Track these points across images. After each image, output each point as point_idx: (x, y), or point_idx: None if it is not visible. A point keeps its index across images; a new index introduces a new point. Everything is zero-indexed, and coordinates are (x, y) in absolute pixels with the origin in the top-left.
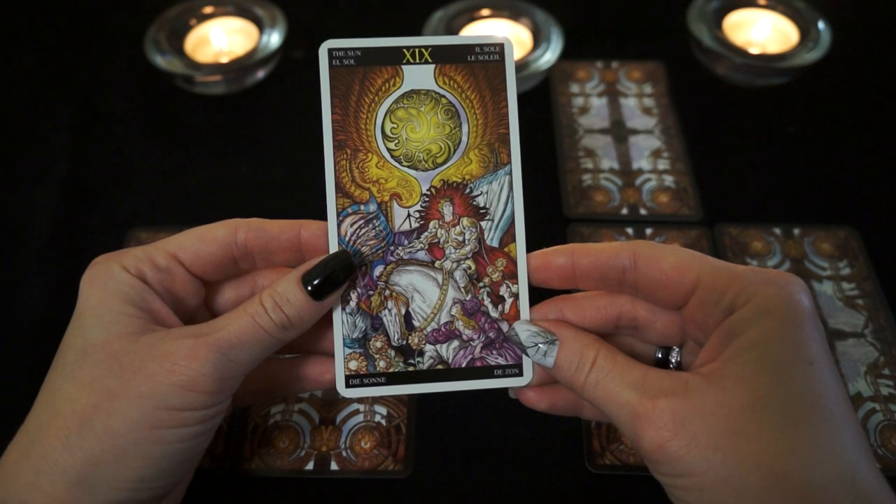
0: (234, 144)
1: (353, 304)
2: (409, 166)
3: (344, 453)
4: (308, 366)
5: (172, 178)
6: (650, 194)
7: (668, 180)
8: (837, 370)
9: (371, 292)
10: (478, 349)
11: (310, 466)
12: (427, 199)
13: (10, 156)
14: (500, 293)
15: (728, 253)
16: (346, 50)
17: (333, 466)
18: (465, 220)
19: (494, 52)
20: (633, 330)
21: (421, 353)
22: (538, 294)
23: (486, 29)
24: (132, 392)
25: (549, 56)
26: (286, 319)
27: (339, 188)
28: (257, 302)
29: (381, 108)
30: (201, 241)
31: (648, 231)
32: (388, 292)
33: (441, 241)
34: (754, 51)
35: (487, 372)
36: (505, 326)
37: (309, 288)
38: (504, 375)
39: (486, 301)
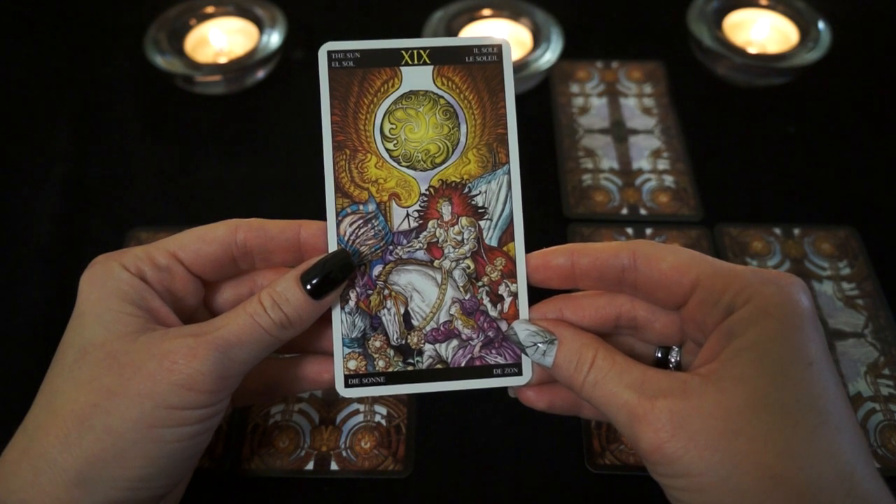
0: (234, 144)
1: (352, 303)
2: (407, 166)
3: (344, 453)
4: (307, 365)
5: (172, 178)
6: (650, 194)
7: (668, 180)
8: (837, 371)
9: (370, 292)
10: (477, 348)
11: (310, 466)
12: (426, 198)
13: (10, 156)
14: (499, 292)
15: (728, 253)
16: (345, 52)
17: (333, 466)
18: (463, 220)
19: (492, 54)
20: (633, 330)
21: (420, 353)
22: (537, 294)
23: (486, 29)
24: (131, 391)
25: (549, 56)
26: (285, 318)
27: (339, 188)
28: (256, 301)
29: (379, 108)
30: (201, 241)
31: (648, 231)
32: (386, 291)
33: (440, 240)
34: (754, 51)
35: (487, 371)
36: (504, 326)
37: (308, 287)
38: (503, 374)
39: (485, 300)
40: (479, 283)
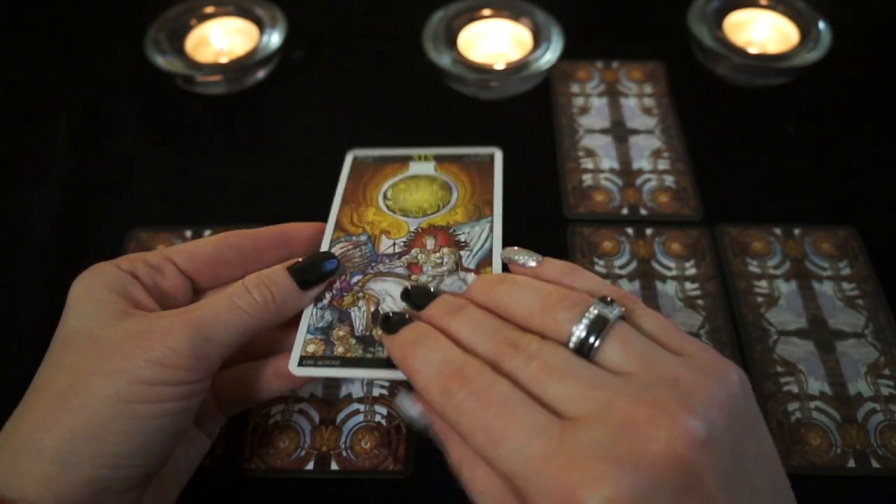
0: (234, 144)
1: (325, 301)
2: (401, 214)
3: (344, 453)
4: (276, 361)
5: (172, 178)
6: (650, 194)
7: (669, 180)
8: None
9: (345, 294)
10: None
11: (310, 466)
12: (413, 234)
13: (10, 156)
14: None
15: (728, 253)
16: (366, 157)
17: (333, 466)
18: (445, 249)
19: (486, 156)
20: None
21: (381, 344)
22: None
23: (486, 29)
24: (107, 369)
25: (549, 56)
26: (269, 297)
27: (338, 226)
28: (239, 285)
29: (386, 183)
30: (195, 245)
31: (648, 231)
32: (361, 293)
33: (420, 262)
34: (754, 51)
35: None
36: None
37: (295, 276)
38: None
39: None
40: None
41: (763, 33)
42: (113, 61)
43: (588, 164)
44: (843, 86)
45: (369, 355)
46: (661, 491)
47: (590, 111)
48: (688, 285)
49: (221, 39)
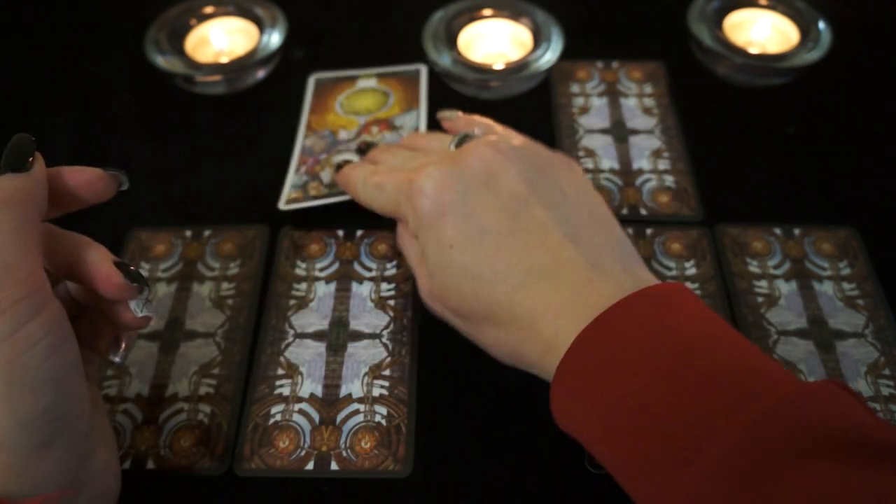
0: (234, 144)
1: (302, 171)
2: (353, 114)
3: (344, 453)
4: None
5: (172, 178)
6: (650, 194)
7: (669, 180)
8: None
9: (316, 165)
10: None
11: (310, 466)
12: (362, 126)
13: None
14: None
15: (728, 253)
16: (325, 77)
17: (333, 466)
18: (386, 132)
19: (414, 71)
20: None
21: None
22: None
23: (486, 29)
24: None
25: (549, 56)
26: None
27: (308, 127)
28: None
29: (341, 95)
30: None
31: (648, 231)
32: (326, 164)
33: (368, 141)
34: (754, 51)
35: None
36: None
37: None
38: None
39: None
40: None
41: (763, 33)
42: (113, 61)
43: (588, 164)
44: (843, 86)
45: (334, 192)
46: (468, 178)
47: (590, 111)
48: (688, 285)
49: (221, 39)
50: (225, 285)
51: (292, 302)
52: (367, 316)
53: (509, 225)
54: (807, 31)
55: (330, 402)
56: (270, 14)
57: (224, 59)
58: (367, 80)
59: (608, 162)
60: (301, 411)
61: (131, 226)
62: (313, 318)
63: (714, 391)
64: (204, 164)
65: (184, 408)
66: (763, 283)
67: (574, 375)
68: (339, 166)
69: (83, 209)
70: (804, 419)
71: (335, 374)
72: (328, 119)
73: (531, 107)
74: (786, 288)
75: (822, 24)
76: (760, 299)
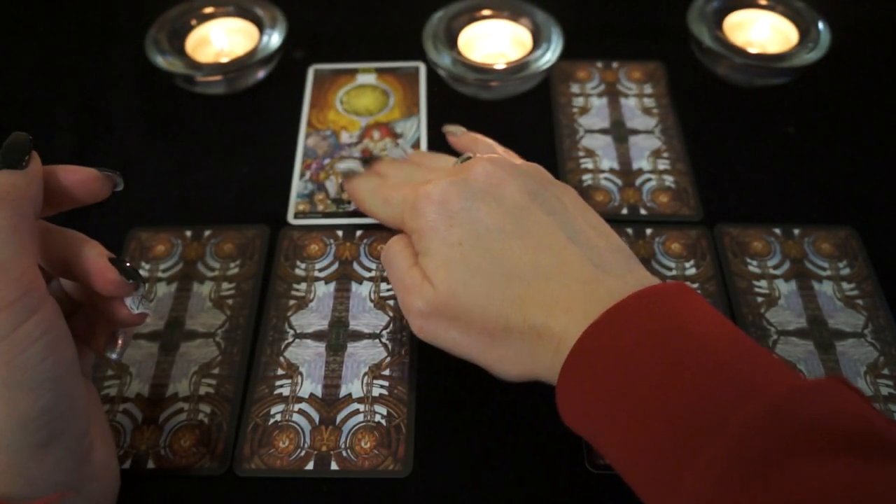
0: (234, 144)
1: (307, 177)
2: (354, 115)
3: (344, 453)
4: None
5: (172, 178)
6: (650, 194)
7: (668, 180)
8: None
9: (320, 172)
10: None
11: (310, 466)
12: (364, 129)
13: None
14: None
15: (728, 253)
16: (324, 70)
17: (333, 466)
18: (387, 139)
19: (412, 69)
20: None
21: (349, 202)
22: None
23: (486, 29)
24: None
25: (549, 56)
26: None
27: (309, 124)
28: None
29: (341, 90)
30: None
31: (648, 231)
32: (331, 170)
33: (370, 148)
34: (754, 51)
35: None
36: None
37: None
38: None
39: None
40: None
41: (763, 33)
42: (113, 61)
43: (588, 164)
44: (842, 86)
45: (341, 210)
46: (473, 188)
47: (590, 111)
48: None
49: (222, 39)
50: (225, 285)
51: (292, 302)
52: (367, 316)
53: (514, 227)
54: (806, 32)
55: (330, 402)
56: (270, 14)
57: (224, 59)
58: (367, 75)
59: (608, 162)
60: (301, 411)
61: (131, 226)
62: (313, 319)
63: (718, 387)
64: (204, 164)
65: (184, 408)
66: (763, 283)
67: (580, 370)
68: (346, 175)
69: (83, 209)
70: (808, 414)
71: (335, 374)
72: (329, 116)
73: (531, 107)
74: (785, 288)
75: (821, 25)
76: (760, 299)
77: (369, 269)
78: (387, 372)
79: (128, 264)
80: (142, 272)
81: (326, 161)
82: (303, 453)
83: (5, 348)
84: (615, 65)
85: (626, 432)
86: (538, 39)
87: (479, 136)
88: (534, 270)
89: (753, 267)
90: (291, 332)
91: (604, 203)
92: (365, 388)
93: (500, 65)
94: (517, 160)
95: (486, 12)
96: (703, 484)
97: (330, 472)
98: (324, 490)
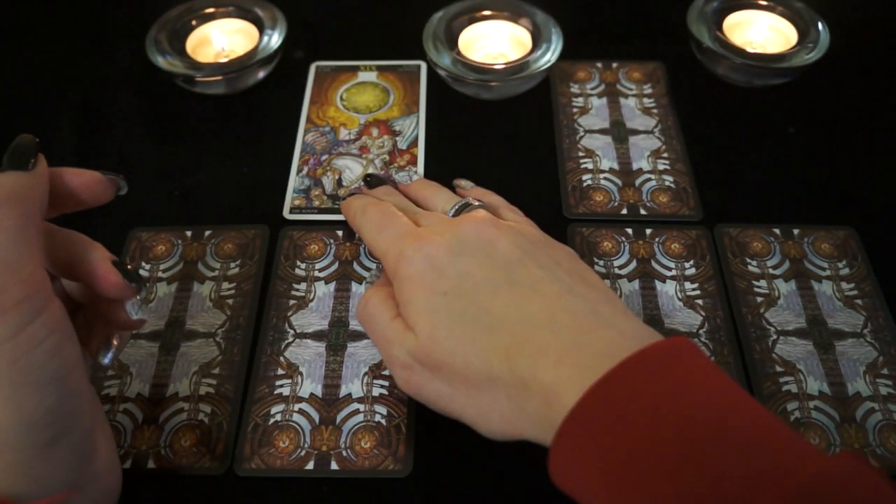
0: (234, 144)
1: (304, 172)
2: (354, 111)
3: (344, 453)
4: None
5: (172, 178)
6: (650, 194)
7: (668, 180)
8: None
9: (318, 168)
10: None
11: (310, 466)
12: (363, 126)
13: None
14: (404, 171)
15: (728, 253)
16: (325, 66)
17: (333, 466)
18: (385, 136)
19: (414, 66)
20: None
21: (345, 197)
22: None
23: (486, 29)
24: None
25: (549, 56)
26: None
27: (308, 120)
28: None
29: (342, 87)
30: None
31: (648, 231)
32: (328, 166)
33: (368, 145)
34: (754, 51)
35: None
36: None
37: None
38: None
39: (394, 174)
40: (392, 165)
41: (762, 34)
42: (113, 61)
43: (588, 164)
44: (841, 86)
45: (336, 205)
46: (464, 243)
47: (590, 111)
48: (687, 285)
49: (222, 40)
50: (225, 285)
51: (292, 302)
52: None
53: (504, 278)
54: (806, 32)
55: (330, 401)
56: (270, 14)
57: (224, 60)
58: (368, 73)
59: (608, 162)
60: (301, 411)
61: (131, 226)
62: (313, 318)
63: (741, 467)
64: (204, 164)
65: (184, 407)
66: (762, 282)
67: (580, 437)
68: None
69: (83, 210)
70: (838, 500)
71: (335, 374)
72: (329, 113)
73: (531, 107)
74: (785, 288)
75: (820, 25)
76: (760, 299)
77: (369, 270)
78: (387, 372)
79: (129, 267)
80: (142, 272)
81: (324, 157)
82: (303, 453)
83: (12, 348)
84: (615, 65)
85: (631, 502)
86: (538, 39)
87: (490, 193)
88: (522, 318)
89: (753, 267)
90: (291, 331)
91: (604, 203)
92: (365, 388)
93: (499, 65)
94: (520, 217)
95: (485, 12)
96: None
97: (330, 472)
98: (324, 490)
